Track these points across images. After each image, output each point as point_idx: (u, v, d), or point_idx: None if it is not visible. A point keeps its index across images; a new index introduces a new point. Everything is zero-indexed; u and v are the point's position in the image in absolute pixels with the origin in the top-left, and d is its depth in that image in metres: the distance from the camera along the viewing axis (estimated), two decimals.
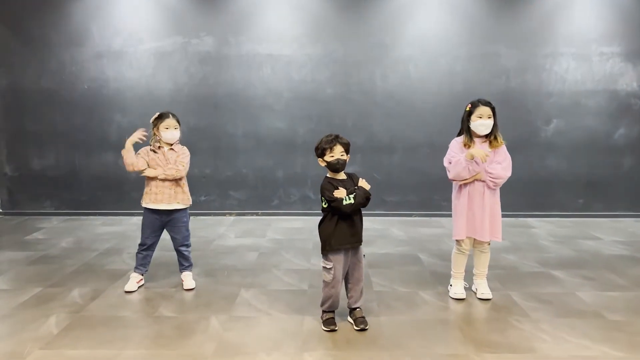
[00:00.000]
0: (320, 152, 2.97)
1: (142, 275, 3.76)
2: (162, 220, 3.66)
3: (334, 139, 2.94)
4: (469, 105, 3.37)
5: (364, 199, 2.92)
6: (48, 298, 3.51)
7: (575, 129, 6.08)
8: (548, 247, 4.86)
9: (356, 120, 6.09)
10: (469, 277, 3.66)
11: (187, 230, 3.76)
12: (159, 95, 6.07)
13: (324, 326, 3.03)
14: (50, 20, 5.97)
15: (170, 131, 3.58)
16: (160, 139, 3.61)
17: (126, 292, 3.62)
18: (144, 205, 3.62)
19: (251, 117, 6.14)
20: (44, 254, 4.60)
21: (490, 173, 3.32)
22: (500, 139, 3.38)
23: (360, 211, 3.03)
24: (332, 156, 2.94)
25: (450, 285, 3.60)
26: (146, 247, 3.69)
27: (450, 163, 3.37)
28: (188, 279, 3.76)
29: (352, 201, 2.88)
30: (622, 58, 5.97)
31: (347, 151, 2.98)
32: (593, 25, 5.95)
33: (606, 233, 5.42)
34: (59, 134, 6.14)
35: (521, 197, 6.07)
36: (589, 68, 6.00)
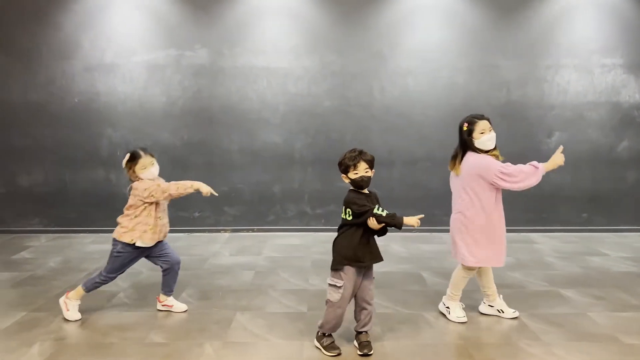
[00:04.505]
0: (344, 169, 2.84)
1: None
2: (146, 253, 3.41)
3: (358, 156, 2.80)
4: (466, 124, 3.22)
5: (390, 222, 2.72)
6: (32, 324, 3.31)
7: (577, 142, 5.97)
8: (554, 264, 4.71)
9: (354, 134, 5.94)
10: (465, 297, 3.50)
11: None
12: (151, 109, 5.91)
13: (326, 351, 2.87)
14: (39, 32, 5.82)
15: (148, 170, 3.29)
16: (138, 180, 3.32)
17: (72, 320, 3.36)
18: (140, 244, 3.30)
19: (247, 131, 5.99)
20: (30, 275, 4.40)
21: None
22: (498, 152, 3.30)
23: (375, 232, 2.87)
24: (357, 173, 2.80)
25: (447, 307, 3.42)
26: (115, 278, 3.43)
27: (518, 175, 3.14)
28: (176, 302, 3.58)
29: (383, 213, 2.71)
30: (625, 70, 5.89)
31: (371, 167, 2.84)
32: (594, 36, 5.87)
33: (612, 249, 5.28)
34: (47, 149, 5.96)
35: (523, 211, 5.93)
36: (590, 80, 5.91)
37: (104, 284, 3.42)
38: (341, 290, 2.80)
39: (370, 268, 2.91)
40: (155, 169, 3.34)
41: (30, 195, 6.02)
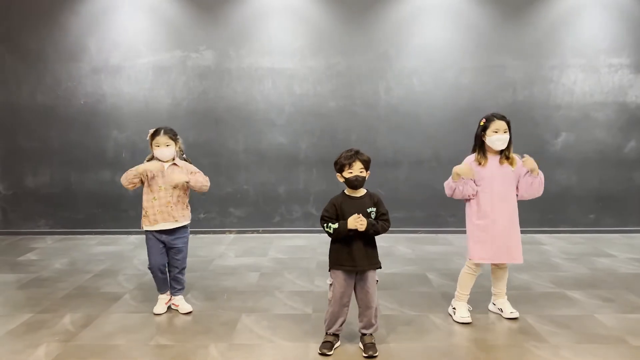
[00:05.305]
0: (339, 168, 2.85)
1: (169, 294, 3.59)
2: (164, 241, 3.46)
3: (354, 155, 2.82)
4: (484, 120, 3.27)
5: (344, 233, 2.77)
6: (38, 325, 3.31)
7: (584, 143, 5.93)
8: (561, 265, 4.68)
9: (360, 135, 5.93)
10: (473, 298, 3.48)
11: (187, 251, 3.57)
12: (157, 110, 5.93)
13: (319, 348, 2.88)
14: (46, 34, 5.85)
15: (160, 149, 3.37)
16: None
17: (155, 314, 3.48)
18: (145, 228, 3.45)
19: (252, 132, 5.99)
20: (36, 277, 4.41)
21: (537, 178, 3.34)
22: (515, 158, 3.32)
23: (367, 237, 2.84)
24: (351, 172, 2.81)
25: (453, 308, 3.42)
26: (159, 270, 3.47)
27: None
28: (182, 302, 3.59)
29: (330, 230, 2.77)
30: (632, 69, 5.84)
31: (367, 168, 2.85)
32: (601, 36, 5.83)
33: (620, 250, 5.24)
34: (54, 150, 5.99)
35: (530, 212, 5.83)
36: (597, 80, 5.87)
37: (157, 277, 3.50)
38: (332, 289, 2.88)
39: (366, 271, 2.87)
40: (167, 150, 3.37)
41: (36, 196, 6.05)
